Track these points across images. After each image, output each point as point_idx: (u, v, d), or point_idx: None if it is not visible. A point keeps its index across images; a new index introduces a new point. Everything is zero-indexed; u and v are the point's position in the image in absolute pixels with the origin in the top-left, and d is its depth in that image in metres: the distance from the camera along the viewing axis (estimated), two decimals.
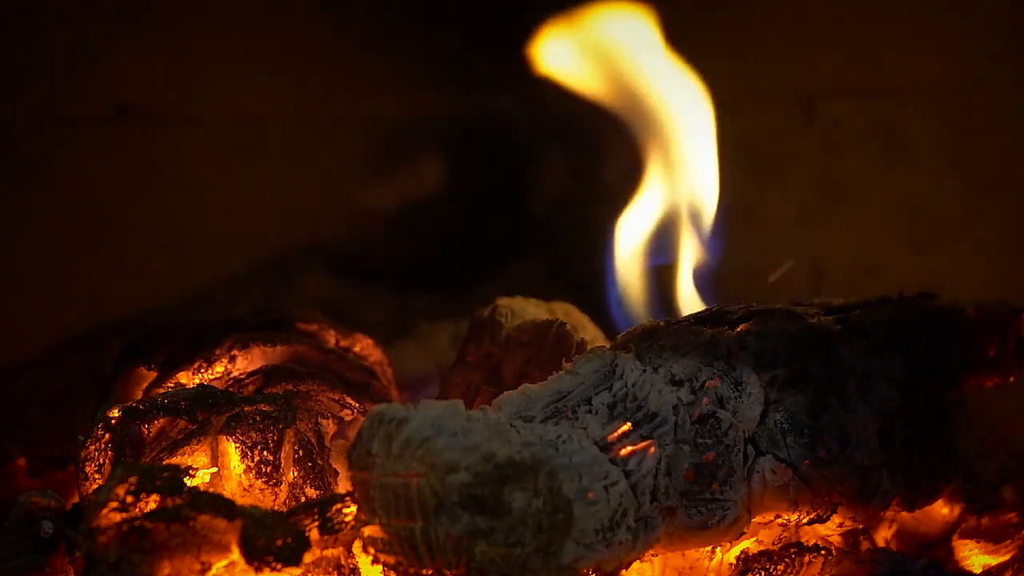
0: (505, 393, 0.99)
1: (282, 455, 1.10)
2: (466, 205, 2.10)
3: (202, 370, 1.19)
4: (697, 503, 0.98)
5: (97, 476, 1.09)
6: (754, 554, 1.07)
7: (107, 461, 1.09)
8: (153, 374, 1.22)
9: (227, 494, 1.04)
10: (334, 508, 0.96)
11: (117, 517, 0.91)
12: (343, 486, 1.10)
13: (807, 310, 1.09)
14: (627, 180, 1.37)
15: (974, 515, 1.21)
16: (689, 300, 1.30)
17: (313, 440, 1.13)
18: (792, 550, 1.06)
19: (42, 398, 1.62)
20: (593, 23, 1.36)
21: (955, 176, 1.58)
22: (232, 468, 1.08)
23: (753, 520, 1.03)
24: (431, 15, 2.03)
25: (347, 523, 0.96)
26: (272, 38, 1.85)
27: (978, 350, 1.11)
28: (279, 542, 0.92)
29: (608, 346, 1.07)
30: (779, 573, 1.05)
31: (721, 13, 1.78)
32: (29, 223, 1.62)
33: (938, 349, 1.08)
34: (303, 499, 1.08)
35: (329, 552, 1.00)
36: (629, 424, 0.97)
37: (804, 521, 1.06)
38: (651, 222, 1.34)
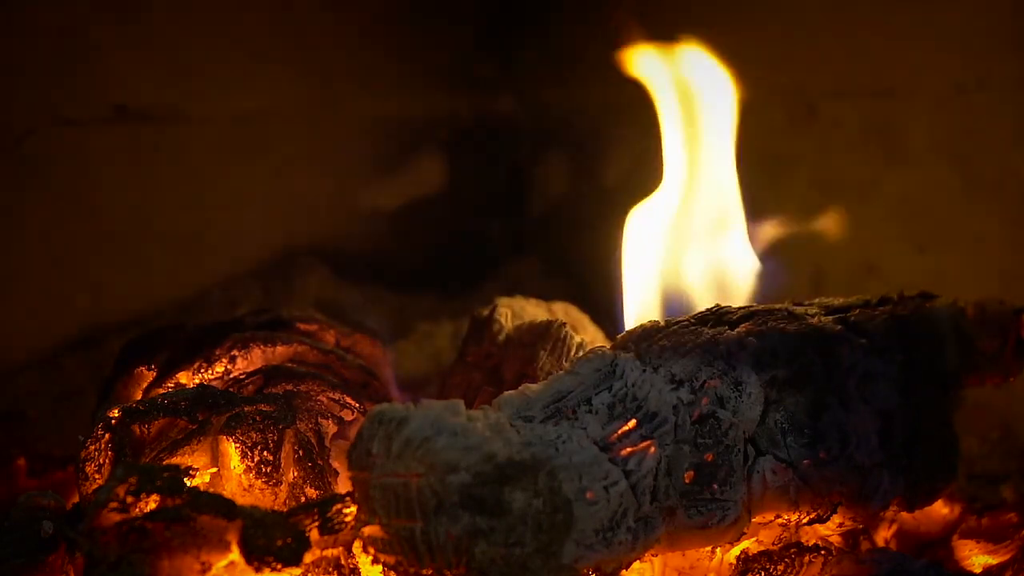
0: (505, 393, 0.99)
1: (282, 455, 1.10)
2: (466, 205, 2.10)
3: (202, 370, 1.19)
4: (697, 503, 0.98)
5: (97, 476, 1.09)
6: (754, 554, 1.07)
7: (107, 461, 1.09)
8: (153, 374, 1.21)
9: (227, 494, 1.04)
10: (334, 508, 0.96)
11: (117, 517, 0.91)
12: (343, 486, 1.09)
13: (807, 310, 1.08)
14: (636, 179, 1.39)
15: (974, 515, 1.21)
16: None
17: (313, 440, 1.13)
18: (792, 550, 1.06)
19: (42, 398, 1.62)
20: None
21: (955, 176, 1.58)
22: (232, 468, 1.08)
23: (753, 520, 1.03)
24: (431, 15, 2.03)
25: (347, 523, 0.96)
26: (272, 38, 1.85)
27: (978, 350, 1.11)
28: (279, 542, 0.92)
29: (608, 346, 1.07)
30: (779, 573, 1.05)
31: (721, 13, 1.78)
32: (29, 223, 1.62)
33: (938, 349, 1.08)
34: (303, 499, 1.08)
35: (329, 552, 1.00)
36: (630, 424, 0.97)
37: (804, 521, 1.06)
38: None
